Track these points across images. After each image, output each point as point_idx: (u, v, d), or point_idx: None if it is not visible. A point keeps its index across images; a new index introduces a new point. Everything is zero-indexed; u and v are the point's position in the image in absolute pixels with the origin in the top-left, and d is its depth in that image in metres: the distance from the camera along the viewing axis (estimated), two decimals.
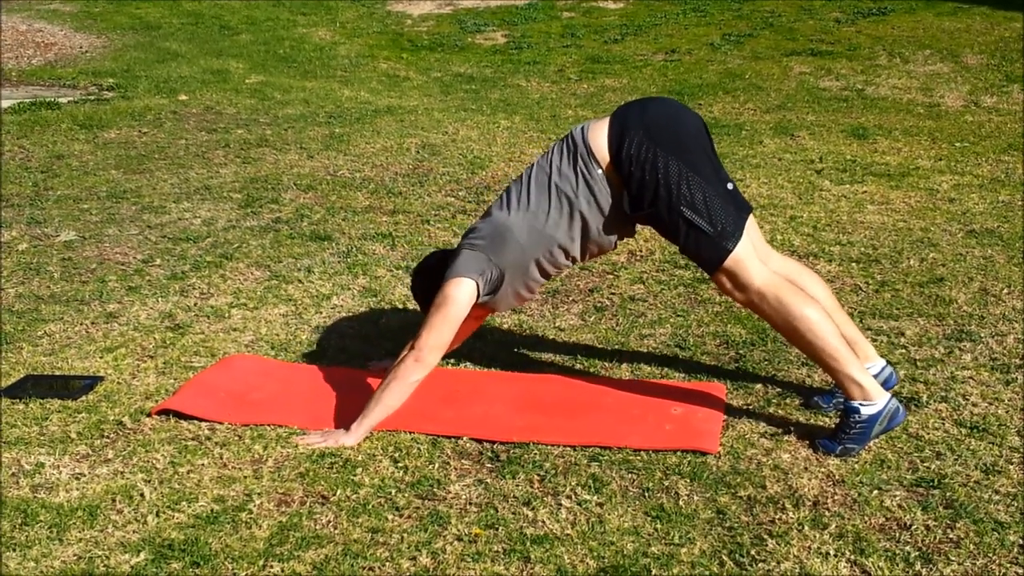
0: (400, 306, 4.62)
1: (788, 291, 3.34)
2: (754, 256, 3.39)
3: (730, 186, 3.44)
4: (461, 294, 3.43)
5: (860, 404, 3.26)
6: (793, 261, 3.73)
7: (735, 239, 3.33)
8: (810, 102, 9.00)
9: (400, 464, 3.28)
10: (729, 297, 3.50)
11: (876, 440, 3.33)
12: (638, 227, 3.62)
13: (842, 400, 3.38)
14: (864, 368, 3.36)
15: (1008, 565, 2.72)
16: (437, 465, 3.28)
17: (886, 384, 3.54)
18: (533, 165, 3.54)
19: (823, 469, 3.20)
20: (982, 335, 4.16)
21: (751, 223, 3.50)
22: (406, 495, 3.10)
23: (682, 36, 11.90)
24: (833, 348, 3.29)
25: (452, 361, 4.07)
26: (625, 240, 3.65)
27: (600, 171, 3.38)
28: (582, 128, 3.47)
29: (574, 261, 3.57)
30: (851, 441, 3.26)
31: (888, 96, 9.12)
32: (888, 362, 3.70)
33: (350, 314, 4.54)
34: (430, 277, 3.61)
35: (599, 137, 3.39)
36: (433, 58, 11.84)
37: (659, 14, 12.92)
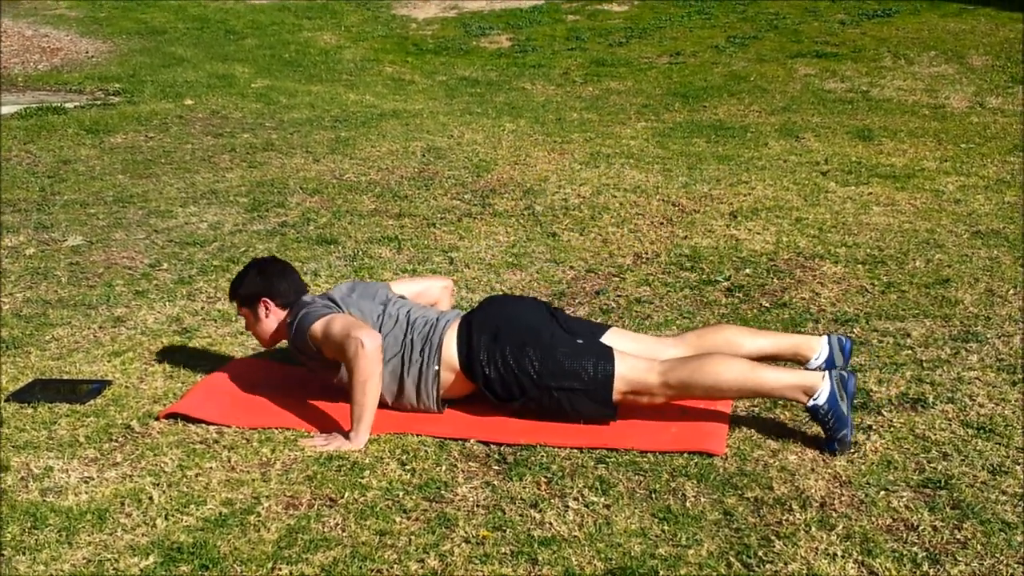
0: None
1: (682, 366, 3.44)
2: (637, 363, 3.49)
3: (580, 341, 3.57)
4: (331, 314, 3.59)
5: (814, 401, 3.31)
6: (689, 332, 3.87)
7: (609, 371, 3.46)
8: (815, 104, 9.00)
9: (408, 467, 3.29)
10: (650, 407, 3.55)
11: (883, 441, 3.34)
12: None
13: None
14: (791, 371, 3.46)
15: (1015, 565, 2.72)
16: (444, 467, 3.28)
17: (844, 350, 3.63)
18: (410, 311, 3.71)
19: (830, 470, 3.20)
20: (988, 336, 4.16)
21: (625, 338, 3.68)
22: (414, 497, 3.11)
23: (687, 39, 11.91)
24: (754, 380, 3.38)
25: None
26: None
27: (436, 368, 3.58)
28: (445, 323, 3.64)
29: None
30: (836, 430, 3.29)
31: (893, 98, 9.12)
32: (891, 362, 3.71)
33: None
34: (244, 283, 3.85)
35: (450, 342, 3.60)
36: (438, 62, 11.85)
37: (664, 17, 12.93)
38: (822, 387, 3.31)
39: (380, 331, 3.59)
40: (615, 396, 3.47)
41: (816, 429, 3.45)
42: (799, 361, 3.63)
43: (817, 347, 3.65)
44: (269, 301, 3.79)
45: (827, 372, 3.36)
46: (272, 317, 3.81)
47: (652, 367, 3.46)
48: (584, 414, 3.51)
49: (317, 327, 3.57)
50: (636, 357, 3.53)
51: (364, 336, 3.42)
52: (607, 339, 3.65)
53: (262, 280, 3.82)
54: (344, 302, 3.70)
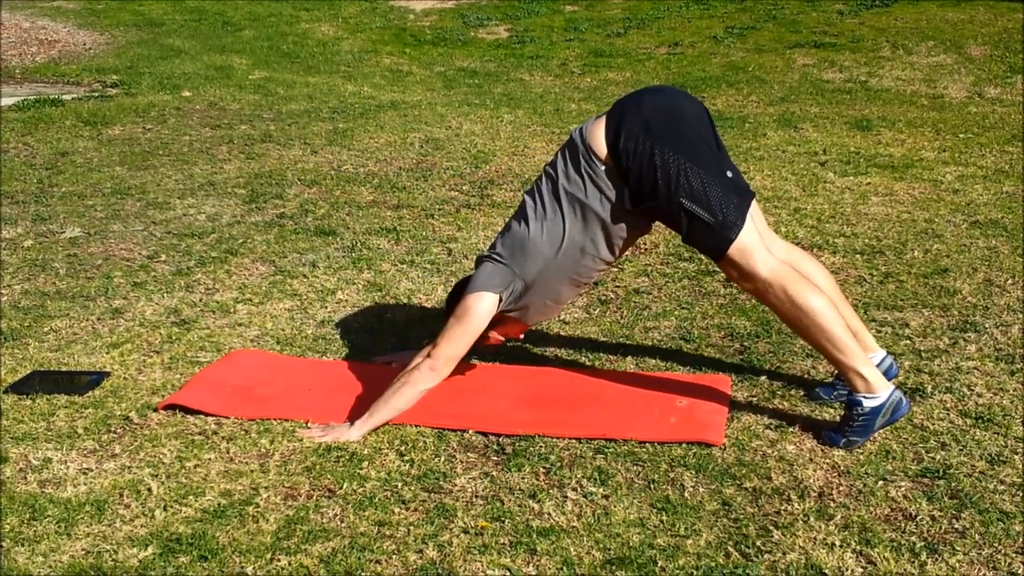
0: (405, 301, 4.63)
1: (794, 281, 3.31)
2: (760, 245, 3.36)
3: (730, 174, 3.41)
4: (481, 307, 3.46)
5: (863, 397, 3.25)
6: (798, 250, 3.70)
7: (737, 228, 3.31)
8: (813, 94, 8.99)
9: (406, 457, 3.29)
10: (736, 285, 3.49)
11: (881, 431, 3.33)
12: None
13: (844, 392, 3.39)
14: (868, 360, 3.35)
15: (1013, 555, 2.73)
16: (443, 458, 3.28)
17: (887, 375, 3.53)
18: (542, 174, 3.54)
19: (828, 460, 3.20)
20: (986, 326, 4.16)
21: (755, 211, 3.48)
22: (412, 488, 3.11)
23: (685, 29, 11.89)
24: (839, 340, 3.28)
25: None
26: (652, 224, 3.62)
27: (603, 168, 3.37)
28: (581, 129, 3.47)
29: (607, 263, 3.55)
30: (855, 434, 3.26)
31: (891, 88, 9.11)
32: (889, 352, 3.70)
33: (355, 309, 4.55)
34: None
35: (597, 135, 3.38)
36: (436, 53, 11.83)
37: (662, 7, 12.91)
38: (880, 394, 3.25)
39: (538, 206, 3.46)
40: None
41: (820, 416, 3.45)
42: None
43: (873, 351, 3.56)
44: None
45: (896, 389, 3.29)
46: None
47: (767, 260, 3.33)
48: (696, 244, 3.40)
49: (466, 303, 3.47)
50: (762, 238, 3.39)
51: (443, 356, 3.43)
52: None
53: None
54: (495, 241, 3.57)
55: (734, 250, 3.32)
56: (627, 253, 3.53)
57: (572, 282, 3.55)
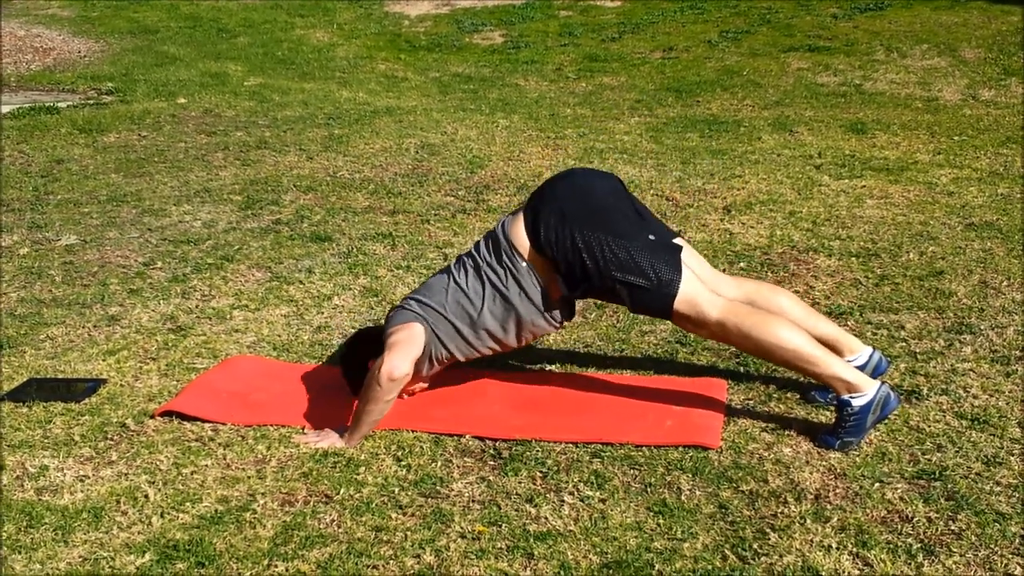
0: None
1: (746, 316, 3.37)
2: (703, 291, 3.43)
3: (652, 236, 3.48)
4: (414, 329, 3.50)
5: (850, 397, 3.27)
6: (750, 280, 3.78)
7: (675, 283, 3.38)
8: (808, 98, 9.00)
9: (403, 463, 3.29)
10: (695, 335, 3.50)
11: (877, 433, 3.34)
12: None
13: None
14: (845, 363, 3.38)
15: (1010, 556, 2.73)
16: (440, 463, 3.29)
17: (877, 370, 3.57)
18: (466, 254, 3.62)
19: (824, 463, 3.21)
20: (982, 327, 4.17)
21: (693, 258, 3.57)
22: (409, 493, 3.11)
23: (680, 34, 11.91)
24: (807, 355, 3.33)
25: None
26: (570, 321, 3.73)
27: (524, 264, 3.47)
28: (503, 223, 3.56)
29: (504, 348, 3.63)
30: (848, 434, 3.27)
31: (886, 91, 9.13)
32: (885, 355, 3.71)
33: (351, 314, 4.55)
34: (357, 355, 3.69)
35: (518, 232, 3.49)
36: (431, 58, 11.84)
37: (656, 12, 12.92)
38: (866, 392, 3.27)
39: (461, 278, 3.53)
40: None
41: (816, 419, 3.46)
42: (837, 352, 3.55)
43: (857, 351, 3.58)
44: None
45: (881, 384, 3.31)
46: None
47: (715, 303, 3.40)
48: (643, 310, 3.47)
49: (398, 330, 3.51)
50: (703, 284, 3.45)
51: (395, 364, 3.37)
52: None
53: None
54: (411, 294, 3.65)
55: (680, 303, 3.39)
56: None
57: (466, 355, 3.62)
